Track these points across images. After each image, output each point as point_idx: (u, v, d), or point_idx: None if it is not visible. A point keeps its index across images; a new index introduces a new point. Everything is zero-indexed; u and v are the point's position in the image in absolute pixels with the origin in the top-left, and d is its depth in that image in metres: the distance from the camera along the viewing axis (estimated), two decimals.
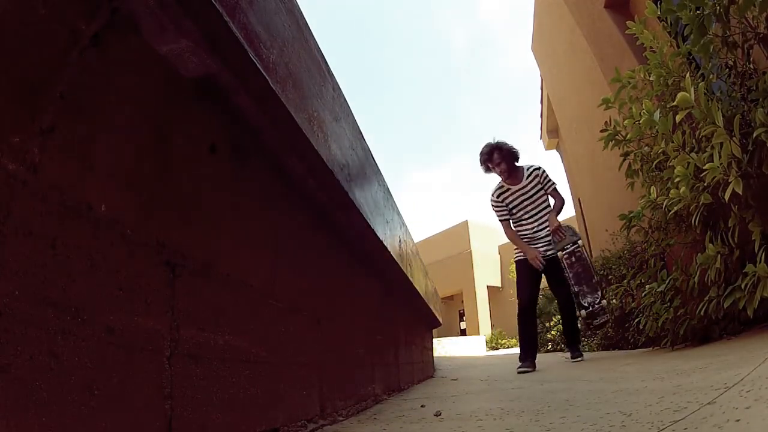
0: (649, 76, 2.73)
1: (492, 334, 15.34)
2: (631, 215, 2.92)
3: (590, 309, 3.32)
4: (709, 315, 2.34)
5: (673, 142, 2.34)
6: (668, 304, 2.74)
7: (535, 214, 3.37)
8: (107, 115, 0.66)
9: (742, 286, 1.99)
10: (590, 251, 7.02)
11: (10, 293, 0.49)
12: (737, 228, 2.16)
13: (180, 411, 0.75)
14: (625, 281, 3.88)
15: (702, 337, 2.64)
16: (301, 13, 1.09)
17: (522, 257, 3.41)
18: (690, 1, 2.10)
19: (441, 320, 4.50)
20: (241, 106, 0.93)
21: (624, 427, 0.89)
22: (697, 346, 2.59)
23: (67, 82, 0.58)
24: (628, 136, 2.88)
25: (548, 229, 3.33)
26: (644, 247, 3.49)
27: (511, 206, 3.42)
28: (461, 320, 19.74)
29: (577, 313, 3.40)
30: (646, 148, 2.85)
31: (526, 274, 3.37)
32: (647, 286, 3.04)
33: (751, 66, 2.20)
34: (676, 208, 2.39)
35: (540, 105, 9.84)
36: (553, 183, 3.41)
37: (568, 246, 3.38)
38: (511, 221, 3.45)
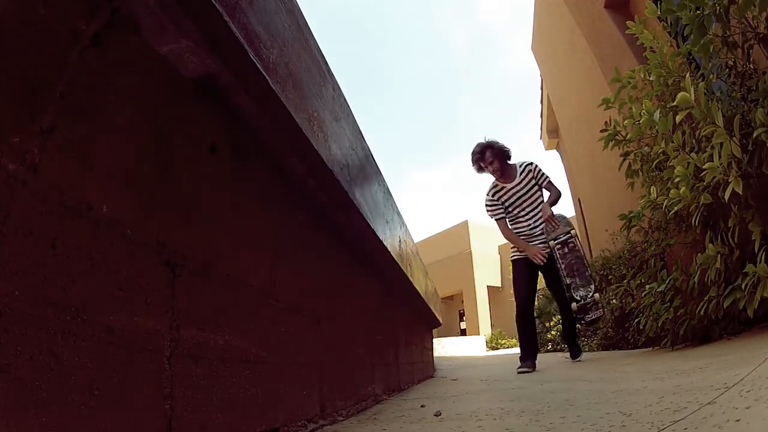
0: (649, 76, 2.73)
1: (492, 334, 15.34)
2: (631, 215, 2.92)
3: (581, 302, 3.23)
4: (709, 315, 2.34)
5: (673, 142, 2.34)
6: (668, 304, 2.74)
7: (531, 210, 3.35)
8: (107, 115, 0.66)
9: (742, 286, 1.99)
10: (590, 251, 7.02)
11: (10, 293, 0.49)
12: (737, 228, 2.16)
13: (180, 411, 0.75)
14: (625, 281, 3.88)
15: (702, 337, 2.64)
16: (301, 13, 1.09)
17: (519, 257, 3.39)
18: (690, 1, 2.10)
19: (441, 320, 4.50)
20: (241, 106, 0.93)
21: (624, 427, 0.89)
22: (697, 346, 2.59)
23: (67, 82, 0.58)
24: (628, 136, 2.88)
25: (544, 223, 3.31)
26: (644, 247, 3.49)
27: (506, 204, 3.39)
28: (461, 320, 19.74)
29: (573, 305, 3.32)
30: (646, 148, 2.85)
31: (523, 273, 3.35)
32: (647, 286, 3.04)
33: (751, 66, 2.20)
34: (676, 208, 2.39)
35: (540, 105, 9.84)
36: (547, 176, 3.38)
37: (561, 236, 3.31)
38: (507, 220, 3.43)
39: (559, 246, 3.30)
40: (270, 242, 1.14)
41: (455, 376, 3.46)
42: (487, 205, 3.46)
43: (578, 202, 8.08)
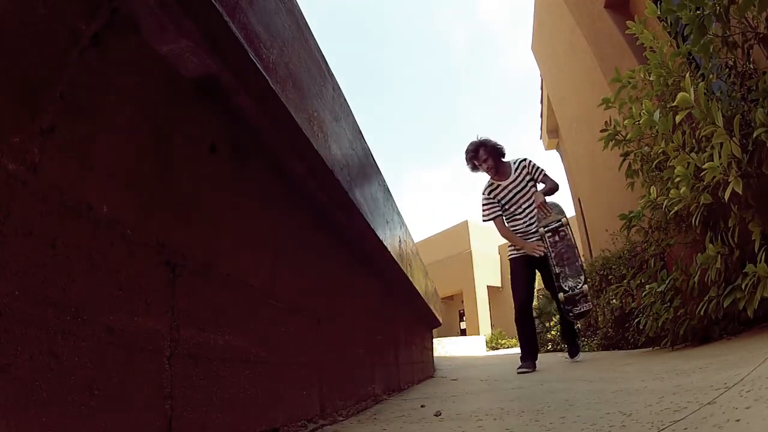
0: (649, 76, 2.73)
1: (492, 334, 15.34)
2: (631, 215, 2.92)
3: (569, 293, 3.14)
4: (709, 315, 2.34)
5: (673, 142, 2.34)
6: (668, 304, 2.74)
7: (527, 207, 3.32)
8: (107, 115, 0.66)
9: (742, 286, 1.99)
10: (590, 251, 7.03)
11: (10, 293, 0.49)
12: (737, 228, 2.16)
13: (180, 411, 0.75)
14: (625, 281, 3.88)
15: (702, 337, 2.64)
16: (301, 13, 1.09)
17: (516, 255, 3.35)
18: (690, 1, 2.10)
19: (441, 320, 4.50)
20: (241, 106, 0.93)
21: (624, 427, 0.89)
22: (697, 346, 2.59)
23: (67, 82, 0.58)
24: (628, 136, 2.88)
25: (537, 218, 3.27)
26: (644, 247, 3.49)
27: (503, 202, 3.37)
28: (461, 320, 19.74)
29: (561, 296, 3.23)
30: (646, 148, 2.85)
31: (521, 272, 3.33)
32: (647, 286, 3.04)
33: (751, 66, 2.20)
34: (676, 208, 2.39)
35: (540, 105, 9.84)
36: (542, 169, 3.35)
37: (552, 223, 3.25)
38: (504, 218, 3.41)
39: (549, 234, 3.24)
40: (270, 242, 1.14)
41: (455, 376, 3.46)
42: (483, 204, 3.42)
43: (578, 202, 8.08)
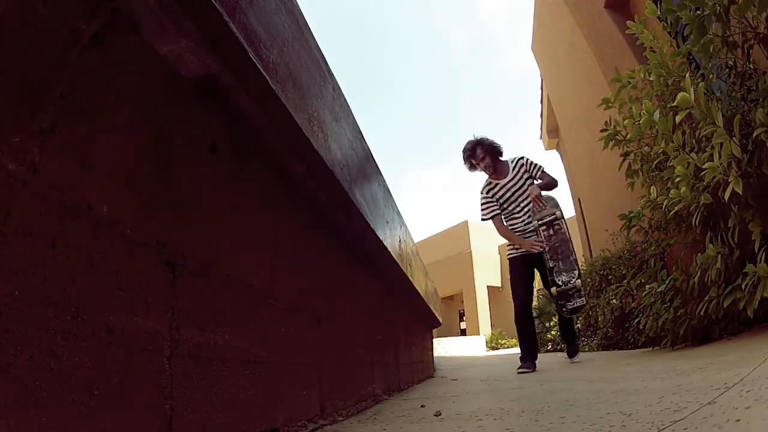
0: (649, 76, 2.74)
1: (492, 334, 15.34)
2: (631, 215, 2.92)
3: (562, 287, 3.10)
4: (709, 315, 2.34)
5: (673, 142, 2.34)
6: (668, 304, 2.74)
7: (526, 206, 3.30)
8: (107, 115, 0.66)
9: (742, 286, 1.99)
10: (590, 251, 7.03)
11: (10, 293, 0.49)
12: (737, 228, 2.16)
13: (180, 411, 0.75)
14: (625, 281, 3.89)
15: (702, 337, 2.64)
16: (301, 13, 1.09)
17: (515, 255, 3.33)
18: (690, 1, 2.10)
19: (441, 320, 4.50)
20: (241, 106, 0.93)
21: (624, 427, 0.89)
22: (697, 346, 2.59)
23: (67, 82, 0.58)
24: (628, 136, 2.88)
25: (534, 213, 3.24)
26: (644, 247, 3.49)
27: (501, 201, 3.34)
28: (461, 320, 19.74)
29: (553, 290, 3.20)
30: (646, 148, 2.85)
31: (520, 272, 3.30)
32: (647, 286, 3.04)
33: (751, 66, 2.20)
34: (676, 208, 2.39)
35: (540, 105, 9.85)
36: (540, 166, 3.33)
37: (547, 217, 3.20)
38: (502, 216, 3.38)
39: (544, 227, 3.20)
40: (270, 242, 1.14)
41: (455, 376, 3.46)
42: (482, 203, 3.40)
43: (578, 202, 8.08)
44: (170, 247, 0.77)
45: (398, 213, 2.24)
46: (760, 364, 1.21)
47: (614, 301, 4.44)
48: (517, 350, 3.69)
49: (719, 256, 2.22)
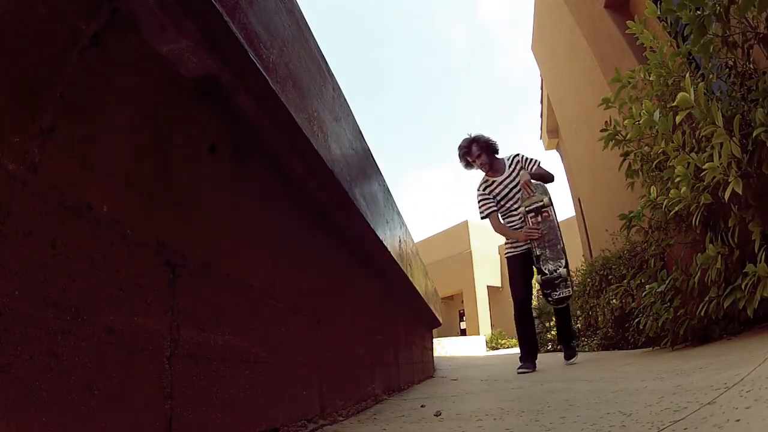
0: (649, 76, 2.74)
1: (492, 334, 15.35)
2: (631, 215, 2.92)
3: (547, 276, 3.06)
4: (709, 315, 2.34)
5: (673, 142, 2.34)
6: (668, 304, 2.74)
7: None
8: (107, 115, 0.66)
9: (742, 286, 1.99)
10: (590, 251, 7.03)
11: (10, 293, 0.49)
12: (737, 228, 2.16)
13: (180, 411, 0.75)
14: (625, 281, 3.89)
15: (702, 337, 2.64)
16: (301, 13, 1.09)
17: (513, 253, 3.30)
18: (690, 1, 2.10)
19: (441, 320, 4.50)
20: (241, 106, 0.93)
21: (624, 427, 0.89)
22: (697, 346, 2.59)
23: (67, 82, 0.58)
24: (628, 136, 2.88)
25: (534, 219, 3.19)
26: (644, 247, 3.49)
27: (498, 198, 3.32)
28: (461, 320, 19.74)
29: (537, 279, 3.17)
30: (646, 148, 2.85)
31: (518, 271, 3.28)
32: (647, 286, 3.04)
33: (751, 66, 2.20)
34: (676, 208, 2.39)
35: (540, 105, 9.85)
36: (536, 161, 3.31)
37: (535, 203, 3.15)
38: (499, 214, 3.36)
39: (532, 214, 3.16)
40: (270, 242, 1.14)
41: (455, 376, 3.46)
42: (478, 201, 3.38)
43: (578, 202, 8.08)
44: (170, 247, 0.77)
45: (398, 213, 2.24)
46: (760, 364, 1.21)
47: (614, 301, 4.44)
48: (517, 350, 3.67)
49: (719, 256, 2.22)
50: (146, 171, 0.73)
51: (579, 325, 5.86)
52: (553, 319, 7.07)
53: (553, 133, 9.44)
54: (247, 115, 0.96)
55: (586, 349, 5.18)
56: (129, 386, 0.65)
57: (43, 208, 0.55)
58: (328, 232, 1.55)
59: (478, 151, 3.31)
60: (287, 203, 1.25)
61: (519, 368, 3.01)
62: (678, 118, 2.20)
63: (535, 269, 3.29)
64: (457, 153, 3.43)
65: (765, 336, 2.00)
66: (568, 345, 3.34)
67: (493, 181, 3.34)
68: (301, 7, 1.09)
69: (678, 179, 2.27)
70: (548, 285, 3.11)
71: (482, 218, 3.43)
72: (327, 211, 1.44)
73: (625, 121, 2.85)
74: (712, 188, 2.12)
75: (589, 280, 5.44)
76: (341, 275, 1.71)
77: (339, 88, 1.36)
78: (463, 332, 18.70)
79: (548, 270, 3.10)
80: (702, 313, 2.37)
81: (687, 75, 2.12)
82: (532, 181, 3.22)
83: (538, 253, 3.13)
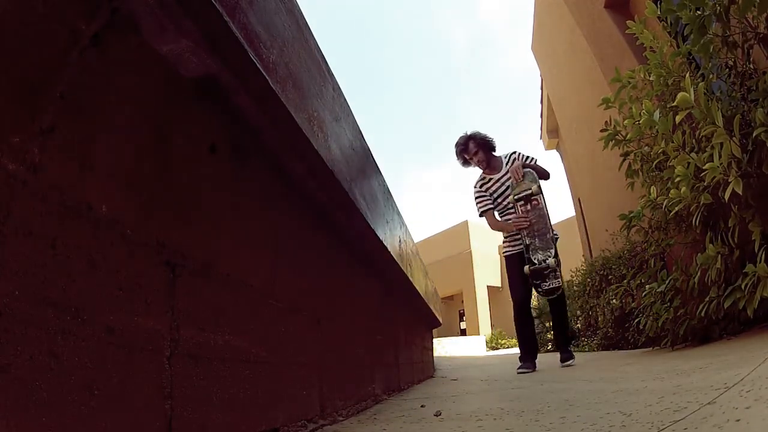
0: (649, 76, 2.74)
1: (492, 334, 15.35)
2: (631, 215, 2.92)
3: (536, 266, 3.01)
4: (709, 315, 2.34)
5: (673, 142, 2.34)
6: (668, 304, 2.74)
7: None
8: (107, 115, 0.66)
9: (742, 286, 1.99)
10: (590, 251, 7.03)
11: (10, 293, 0.49)
12: (737, 228, 2.16)
13: (180, 411, 0.75)
14: (625, 281, 3.89)
15: (702, 337, 2.64)
16: (301, 13, 1.09)
17: (511, 252, 3.27)
18: (690, 1, 2.10)
19: (441, 320, 4.50)
20: (241, 106, 0.93)
21: (624, 427, 0.89)
22: (697, 346, 2.59)
23: (67, 82, 0.58)
24: (628, 136, 2.88)
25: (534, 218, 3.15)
26: (644, 247, 3.49)
27: (495, 195, 3.31)
28: (461, 320, 19.74)
29: (526, 269, 3.12)
30: (646, 148, 2.85)
31: (516, 270, 3.24)
32: (647, 286, 3.04)
33: (751, 66, 2.20)
34: (676, 208, 2.39)
35: (540, 105, 9.85)
36: (533, 158, 3.29)
37: (524, 191, 3.10)
38: (495, 212, 3.34)
39: (521, 203, 3.12)
40: (270, 242, 1.14)
41: (455, 376, 3.46)
42: (475, 198, 3.36)
43: (578, 202, 8.08)
44: (170, 247, 0.77)
45: (398, 213, 2.24)
46: (760, 364, 1.21)
47: (614, 301, 4.44)
48: (516, 350, 3.66)
49: (719, 256, 2.22)
50: (146, 171, 0.73)
51: (579, 325, 5.86)
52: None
53: (553, 133, 9.44)
54: (247, 115, 0.96)
55: (586, 349, 5.19)
56: (129, 386, 0.65)
57: (43, 208, 0.55)
58: (328, 232, 1.55)
59: (475, 149, 3.30)
60: (287, 203, 1.25)
61: (519, 368, 3.01)
62: (678, 118, 2.20)
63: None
64: (454, 150, 3.42)
65: (765, 336, 2.00)
66: (565, 348, 3.19)
67: (490, 179, 3.33)
68: (301, 7, 1.09)
69: (678, 179, 2.27)
70: (537, 275, 3.07)
71: (479, 215, 3.42)
72: (327, 211, 1.44)
73: (625, 121, 2.85)
74: (712, 188, 2.12)
75: (589, 280, 5.44)
76: (341, 275, 1.71)
77: (339, 88, 1.36)
78: (463, 332, 18.70)
79: (537, 260, 3.05)
80: (702, 313, 2.37)
81: (687, 75, 2.12)
82: (525, 169, 3.18)
83: (527, 242, 3.08)
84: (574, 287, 6.21)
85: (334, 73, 1.32)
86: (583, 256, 7.49)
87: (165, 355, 0.73)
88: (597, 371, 2.37)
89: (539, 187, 3.13)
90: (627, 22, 2.94)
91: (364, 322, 1.98)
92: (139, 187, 0.71)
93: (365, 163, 1.63)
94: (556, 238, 3.16)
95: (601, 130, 3.08)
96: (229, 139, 0.97)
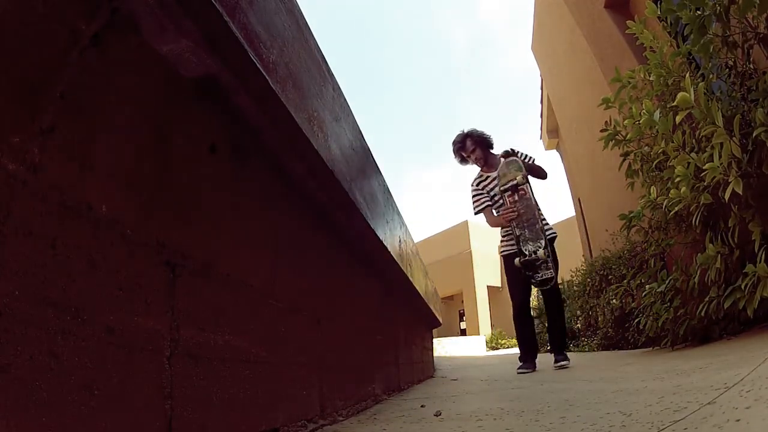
0: (649, 76, 2.74)
1: (492, 334, 15.35)
2: (631, 215, 2.92)
3: (528, 258, 2.98)
4: (709, 315, 2.34)
5: (673, 142, 2.34)
6: (668, 304, 2.74)
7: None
8: (107, 115, 0.66)
9: (742, 286, 1.99)
10: (590, 251, 7.03)
11: (10, 293, 0.49)
12: (737, 228, 2.16)
13: (180, 411, 0.75)
14: (625, 281, 3.89)
15: (702, 337, 2.64)
16: (301, 13, 1.09)
17: (509, 251, 3.23)
18: (690, 1, 2.10)
19: (441, 320, 4.50)
20: (241, 106, 0.93)
21: (624, 427, 0.89)
22: (697, 346, 2.59)
23: (67, 82, 0.58)
24: (628, 136, 2.88)
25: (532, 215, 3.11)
26: (644, 247, 3.49)
27: (493, 193, 3.28)
28: (461, 320, 19.74)
29: (516, 261, 3.09)
30: (646, 148, 2.85)
31: (515, 269, 3.20)
32: (647, 286, 3.04)
33: (751, 66, 2.20)
34: (676, 208, 2.39)
35: (540, 105, 9.85)
36: (532, 157, 3.27)
37: (509, 182, 3.07)
38: (492, 209, 3.32)
39: (508, 193, 3.08)
40: (270, 242, 1.14)
41: (455, 376, 3.46)
42: (473, 196, 3.35)
43: (578, 202, 8.08)
44: (170, 247, 0.77)
45: (398, 213, 2.24)
46: (760, 364, 1.21)
47: (614, 301, 4.44)
48: (516, 350, 3.65)
49: (719, 256, 2.22)
50: (146, 171, 0.73)
51: (579, 325, 5.86)
52: None
53: (553, 133, 9.44)
54: (247, 115, 0.96)
55: (586, 349, 5.19)
56: (129, 386, 0.65)
57: (43, 208, 0.55)
58: (328, 232, 1.55)
59: (472, 146, 3.29)
60: (287, 203, 1.25)
61: (519, 368, 3.00)
62: (678, 118, 2.20)
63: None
64: (451, 148, 3.41)
65: (765, 336, 2.00)
66: (559, 351, 3.08)
67: (488, 177, 3.32)
68: (301, 7, 1.09)
69: (678, 179, 2.27)
70: (529, 267, 3.04)
71: (476, 213, 3.40)
72: (327, 211, 1.44)
73: (625, 121, 2.85)
74: (712, 188, 2.12)
75: (589, 280, 5.44)
76: (341, 275, 1.71)
77: (339, 88, 1.36)
78: (463, 332, 18.70)
79: (528, 251, 3.03)
80: (702, 313, 2.37)
81: (687, 75, 2.12)
82: (509, 158, 3.17)
83: (518, 233, 3.05)
84: (574, 287, 6.21)
85: (334, 73, 1.33)
86: (583, 256, 7.49)
87: (165, 355, 0.73)
88: (597, 371, 2.37)
89: (525, 176, 3.09)
90: (627, 22, 2.94)
91: (364, 322, 1.98)
92: (139, 187, 0.71)
93: (365, 163, 1.63)
94: (554, 237, 3.14)
95: (601, 130, 3.08)
96: (229, 139, 0.97)
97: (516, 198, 3.09)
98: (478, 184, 3.35)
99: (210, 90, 0.87)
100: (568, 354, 3.28)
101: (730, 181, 1.91)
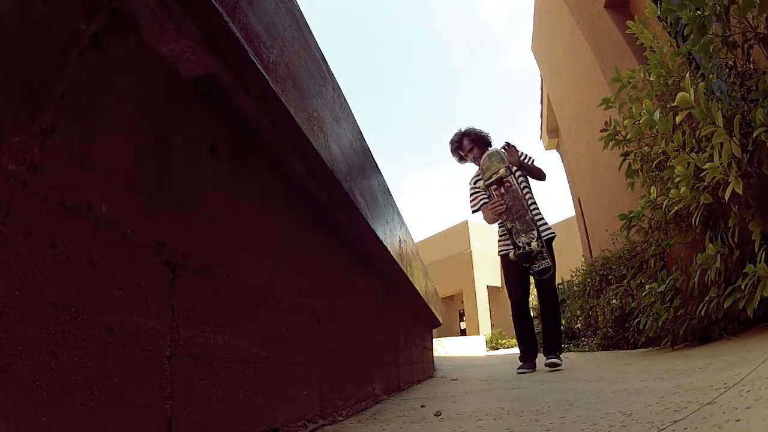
0: (649, 76, 2.74)
1: (492, 334, 15.35)
2: (631, 215, 2.92)
3: (522, 250, 2.96)
4: (709, 315, 2.34)
5: (673, 142, 2.35)
6: (668, 304, 2.74)
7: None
8: (107, 115, 0.66)
9: (742, 286, 1.99)
10: (590, 251, 7.03)
11: (10, 293, 0.49)
12: (737, 228, 2.16)
13: (180, 411, 0.75)
14: (625, 281, 3.89)
15: (702, 337, 2.64)
16: (301, 13, 1.09)
17: (505, 251, 3.19)
18: (690, 1, 2.10)
19: (441, 320, 4.50)
20: (241, 106, 0.93)
21: (624, 427, 0.89)
22: (697, 346, 2.59)
23: (67, 82, 0.58)
24: (628, 136, 2.88)
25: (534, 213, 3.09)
26: (644, 247, 3.49)
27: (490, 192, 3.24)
28: (461, 320, 19.74)
29: (511, 254, 3.06)
30: (646, 148, 2.85)
31: (513, 269, 3.18)
32: (647, 286, 3.04)
33: (751, 66, 2.20)
34: (676, 208, 2.39)
35: (540, 105, 9.85)
36: (532, 158, 3.24)
37: (493, 176, 3.03)
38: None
39: (494, 187, 3.05)
40: (270, 242, 1.14)
41: (455, 376, 3.46)
42: (470, 194, 3.33)
43: (578, 202, 8.08)
44: (170, 247, 0.77)
45: (398, 213, 2.24)
46: (760, 364, 1.21)
47: (614, 301, 4.44)
48: (516, 350, 3.64)
49: (719, 256, 2.22)
50: (146, 171, 0.73)
51: (579, 325, 5.87)
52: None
53: (553, 133, 9.44)
54: (247, 115, 0.96)
55: (586, 349, 5.19)
56: (129, 386, 0.65)
57: (43, 208, 0.55)
58: (328, 232, 1.55)
59: (469, 145, 3.28)
60: (287, 203, 1.25)
61: (519, 368, 3.00)
62: (678, 118, 2.20)
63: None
64: (449, 147, 3.40)
65: (765, 336, 2.00)
66: (551, 351, 2.99)
67: None
68: (301, 7, 1.09)
69: (678, 179, 2.27)
70: (526, 259, 3.02)
71: (473, 212, 3.38)
72: (327, 211, 1.44)
73: (625, 121, 2.85)
74: (712, 188, 2.12)
75: (589, 280, 5.44)
76: (341, 275, 1.71)
77: (339, 88, 1.36)
78: (463, 332, 18.70)
79: (521, 243, 3.00)
80: (702, 313, 2.37)
81: (687, 75, 2.12)
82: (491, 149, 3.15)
83: (509, 226, 3.03)
84: (574, 287, 6.21)
85: (334, 73, 1.33)
86: (583, 256, 7.49)
87: (165, 355, 0.73)
88: (597, 371, 2.37)
89: (508, 168, 3.05)
90: (627, 22, 2.94)
91: (364, 322, 1.98)
92: (139, 187, 0.71)
93: (365, 163, 1.63)
94: (553, 238, 3.12)
95: (601, 130, 3.08)
96: (229, 139, 0.97)
97: (503, 191, 3.06)
98: (475, 183, 3.34)
99: (210, 90, 0.87)
100: (568, 354, 3.26)
101: (730, 181, 1.91)
